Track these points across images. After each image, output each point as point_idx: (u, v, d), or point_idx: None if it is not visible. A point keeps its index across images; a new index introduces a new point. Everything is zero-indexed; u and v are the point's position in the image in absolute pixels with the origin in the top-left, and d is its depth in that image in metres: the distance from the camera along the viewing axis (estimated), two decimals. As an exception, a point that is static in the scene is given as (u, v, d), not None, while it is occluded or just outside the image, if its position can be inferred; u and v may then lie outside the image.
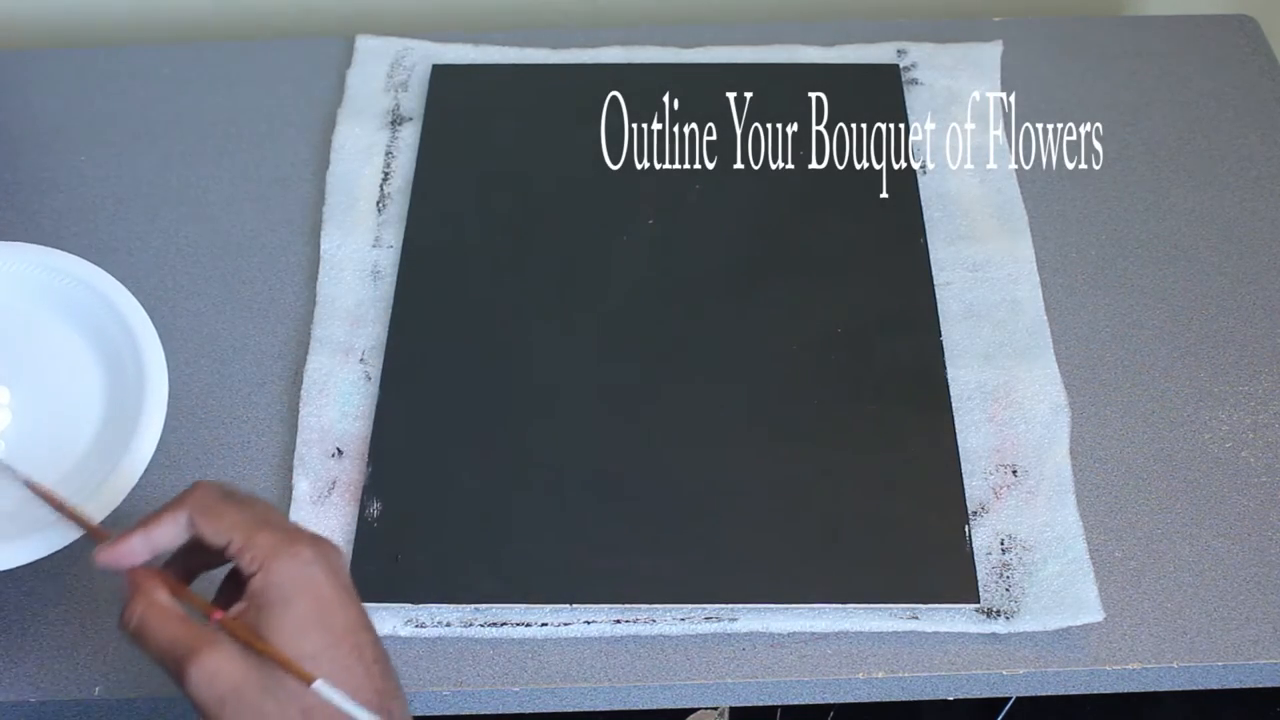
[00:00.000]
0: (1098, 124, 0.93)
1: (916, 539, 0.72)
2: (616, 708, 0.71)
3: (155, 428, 0.72)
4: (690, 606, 0.70)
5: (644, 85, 0.95)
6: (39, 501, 0.67)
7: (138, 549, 0.56)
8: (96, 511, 0.69)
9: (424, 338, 0.81)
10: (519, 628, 0.70)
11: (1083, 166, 0.90)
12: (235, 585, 0.56)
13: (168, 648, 0.53)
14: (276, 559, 0.53)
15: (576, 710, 0.71)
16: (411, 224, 0.86)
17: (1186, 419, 0.78)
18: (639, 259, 0.85)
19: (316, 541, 0.55)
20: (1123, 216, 0.88)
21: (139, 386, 0.73)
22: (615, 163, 0.90)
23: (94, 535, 0.61)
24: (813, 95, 0.94)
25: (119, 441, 0.71)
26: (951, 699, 0.70)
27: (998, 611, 0.69)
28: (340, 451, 0.76)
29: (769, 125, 0.92)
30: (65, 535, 0.67)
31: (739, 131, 0.92)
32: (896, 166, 0.89)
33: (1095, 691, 0.71)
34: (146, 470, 0.74)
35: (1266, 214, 0.88)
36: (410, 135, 0.92)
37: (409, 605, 0.70)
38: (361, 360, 0.80)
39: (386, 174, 0.90)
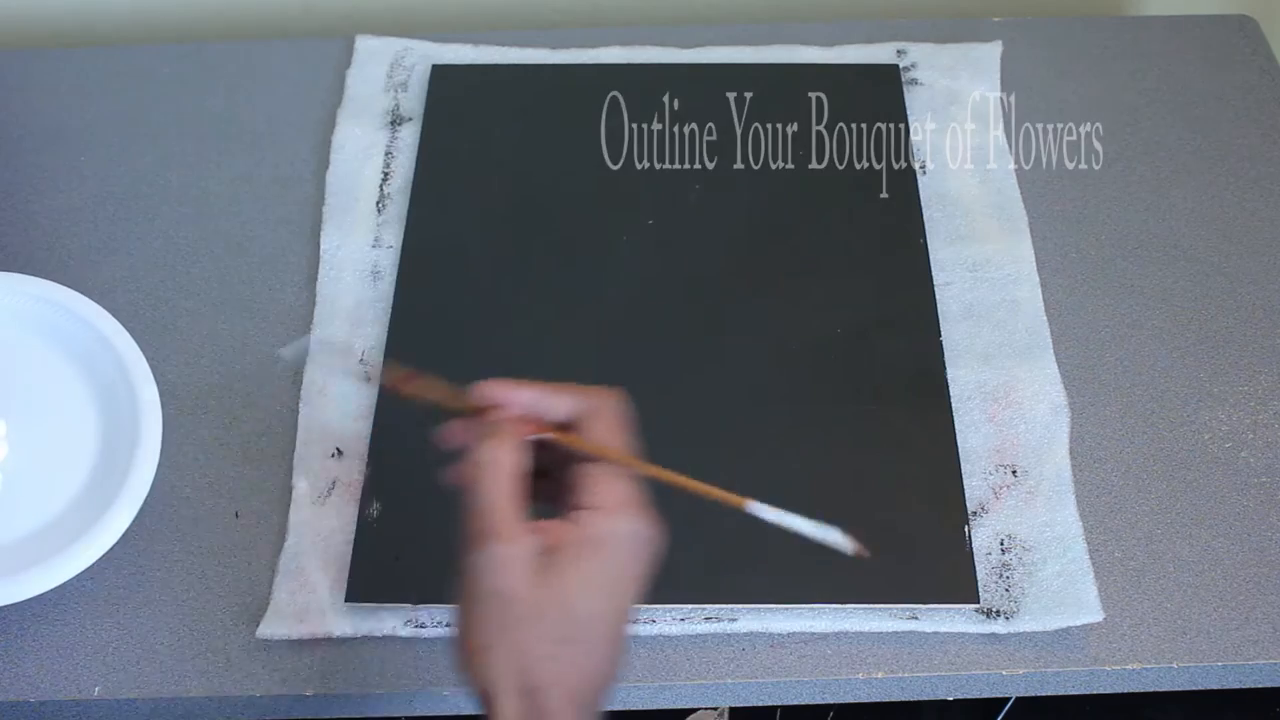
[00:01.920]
0: (1098, 124, 0.93)
1: (916, 539, 0.72)
2: (616, 708, 0.71)
3: (152, 457, 0.73)
4: (690, 606, 0.70)
5: (644, 85, 0.94)
6: (34, 541, 0.69)
7: (524, 398, 0.54)
8: (103, 539, 0.70)
9: (424, 338, 0.81)
10: (519, 628, 0.70)
11: (1083, 166, 0.90)
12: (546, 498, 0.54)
13: (487, 510, 0.51)
14: (623, 514, 0.52)
15: (576, 710, 0.70)
16: (411, 224, 0.86)
17: (1186, 419, 0.78)
18: (639, 259, 0.85)
19: (655, 532, 0.53)
20: (1123, 216, 0.88)
21: (132, 417, 0.73)
22: (615, 163, 0.90)
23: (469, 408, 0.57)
24: (813, 95, 0.94)
25: (118, 469, 0.72)
26: (951, 699, 0.70)
27: (997, 611, 0.69)
28: (340, 451, 0.76)
29: (769, 125, 0.92)
30: (64, 572, 0.69)
31: (739, 131, 0.92)
32: (896, 166, 0.89)
33: (1095, 691, 0.71)
34: (146, 470, 0.74)
35: (1266, 214, 0.88)
36: (410, 135, 0.92)
37: (409, 605, 0.70)
38: (361, 360, 0.80)
39: (386, 174, 0.90)
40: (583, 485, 0.53)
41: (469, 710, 0.70)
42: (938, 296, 0.82)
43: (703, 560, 0.71)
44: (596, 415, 0.54)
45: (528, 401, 0.54)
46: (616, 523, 0.52)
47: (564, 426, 0.55)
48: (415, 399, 0.58)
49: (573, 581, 0.51)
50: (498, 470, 0.52)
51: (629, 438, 0.54)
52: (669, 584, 0.70)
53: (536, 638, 0.50)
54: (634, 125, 0.92)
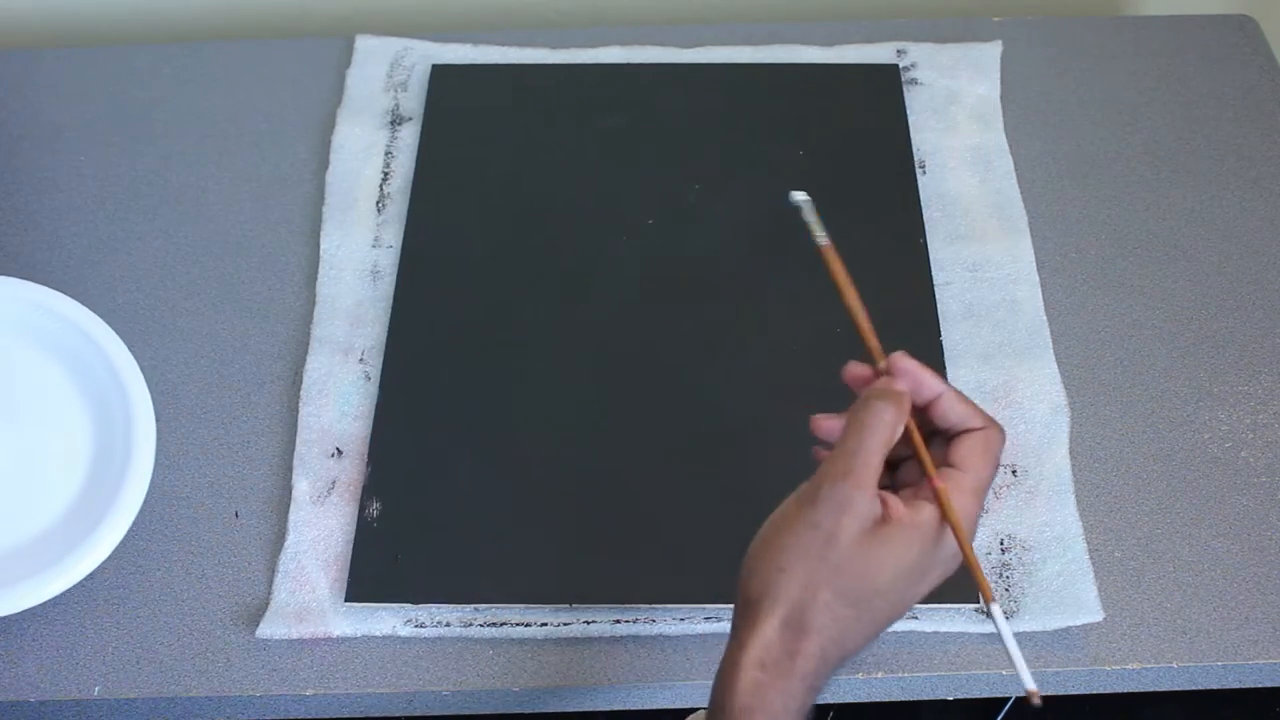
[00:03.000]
0: (1098, 124, 0.93)
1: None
2: (616, 708, 0.71)
3: (145, 470, 0.73)
4: (690, 606, 0.70)
5: (644, 85, 0.95)
6: (26, 553, 0.70)
7: (930, 385, 0.56)
8: (103, 544, 0.70)
9: (424, 338, 0.81)
10: (519, 628, 0.70)
11: (1083, 166, 0.91)
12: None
13: (860, 455, 0.53)
14: (959, 504, 0.54)
15: (576, 710, 0.71)
16: (411, 224, 0.86)
17: (1186, 419, 0.78)
18: (639, 259, 0.85)
19: (956, 564, 0.55)
20: (1123, 216, 0.88)
21: (126, 428, 0.74)
22: (615, 163, 0.90)
23: (874, 350, 0.59)
24: (812, 95, 0.94)
25: (111, 481, 0.72)
26: (951, 699, 0.70)
27: (998, 611, 0.69)
28: (340, 451, 0.76)
29: (769, 125, 0.92)
30: (56, 585, 0.69)
31: (738, 131, 0.92)
32: (896, 166, 0.89)
33: (1095, 691, 0.71)
34: (146, 470, 0.74)
35: (1266, 214, 0.88)
36: (410, 135, 0.92)
37: (409, 605, 0.70)
38: (361, 360, 0.80)
39: (386, 174, 0.90)
40: (936, 486, 0.55)
41: (469, 710, 0.70)
42: (938, 296, 0.82)
43: (702, 560, 0.71)
44: (983, 442, 0.56)
45: (930, 389, 0.56)
46: (940, 528, 0.54)
47: (948, 429, 0.57)
48: (834, 282, 0.59)
49: (888, 557, 0.53)
50: (886, 427, 0.54)
51: (994, 472, 0.56)
52: (669, 584, 0.70)
53: (830, 586, 0.52)
54: (633, 125, 0.92)
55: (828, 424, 0.57)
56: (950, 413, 0.56)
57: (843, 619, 0.53)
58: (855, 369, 0.58)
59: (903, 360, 0.57)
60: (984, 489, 0.55)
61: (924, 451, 0.55)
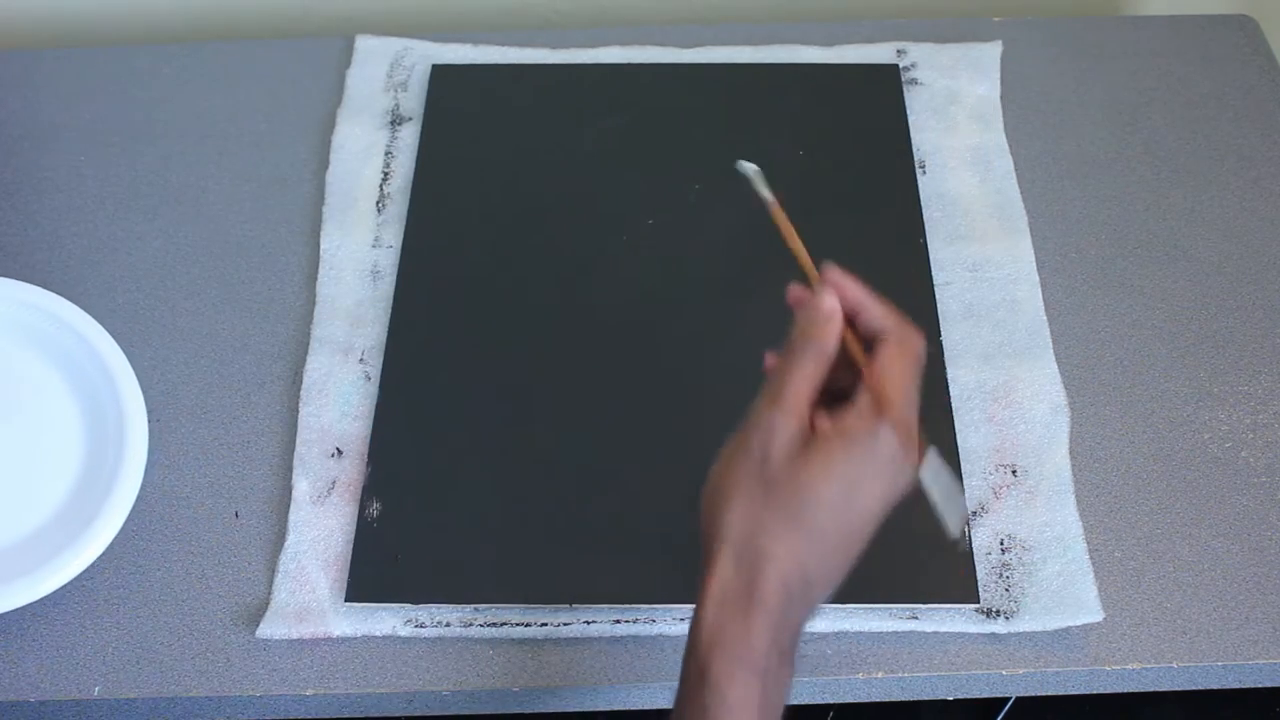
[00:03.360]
0: (1097, 124, 0.93)
1: (916, 539, 0.72)
2: (616, 708, 0.71)
3: (139, 460, 0.73)
4: (690, 607, 0.69)
5: (644, 85, 0.95)
6: (17, 551, 0.70)
7: (854, 293, 0.58)
8: (96, 542, 0.70)
9: (424, 338, 0.81)
10: (519, 628, 0.70)
11: (1083, 166, 0.91)
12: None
13: (788, 381, 0.55)
14: (880, 426, 0.54)
15: (577, 710, 0.71)
16: (411, 224, 0.86)
17: (1186, 419, 0.78)
18: (639, 259, 0.85)
19: (907, 463, 0.55)
20: (1123, 216, 0.88)
21: (118, 428, 0.74)
22: (615, 163, 0.90)
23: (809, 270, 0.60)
24: (812, 95, 0.94)
25: (103, 480, 0.72)
26: (951, 699, 0.70)
27: (997, 611, 0.69)
28: (340, 451, 0.76)
29: (769, 125, 0.92)
30: (50, 583, 0.69)
31: (739, 132, 0.92)
32: (896, 166, 0.89)
33: (1095, 691, 0.71)
34: (146, 472, 0.74)
35: (1266, 214, 0.88)
36: (410, 135, 0.92)
37: (409, 605, 0.70)
38: (361, 360, 0.80)
39: (386, 174, 0.90)
40: (859, 393, 0.55)
41: (469, 710, 0.70)
42: (938, 296, 0.82)
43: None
44: (899, 345, 0.57)
45: (855, 297, 0.58)
46: (870, 428, 0.54)
47: (866, 334, 0.58)
48: (779, 231, 0.61)
49: (815, 467, 0.54)
50: (817, 353, 0.56)
51: (914, 374, 0.57)
52: (669, 584, 0.70)
53: (768, 507, 0.54)
54: (633, 125, 0.92)
55: (792, 293, 0.59)
56: (871, 319, 0.57)
57: (792, 542, 0.53)
58: (794, 291, 0.60)
59: (831, 272, 0.58)
60: (903, 378, 0.56)
61: (855, 345, 0.57)
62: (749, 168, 0.62)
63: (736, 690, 0.52)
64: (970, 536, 0.72)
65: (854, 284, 0.58)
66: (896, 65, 0.95)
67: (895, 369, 0.56)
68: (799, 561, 0.53)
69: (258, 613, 0.71)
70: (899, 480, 0.55)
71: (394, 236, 0.86)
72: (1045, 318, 0.81)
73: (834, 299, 0.57)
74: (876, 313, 0.57)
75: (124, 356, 0.76)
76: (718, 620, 0.53)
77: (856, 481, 0.54)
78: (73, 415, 0.75)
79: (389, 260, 0.85)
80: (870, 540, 0.56)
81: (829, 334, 0.56)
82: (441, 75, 0.95)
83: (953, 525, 0.57)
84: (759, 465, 0.54)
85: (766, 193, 0.62)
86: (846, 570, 0.56)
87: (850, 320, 0.57)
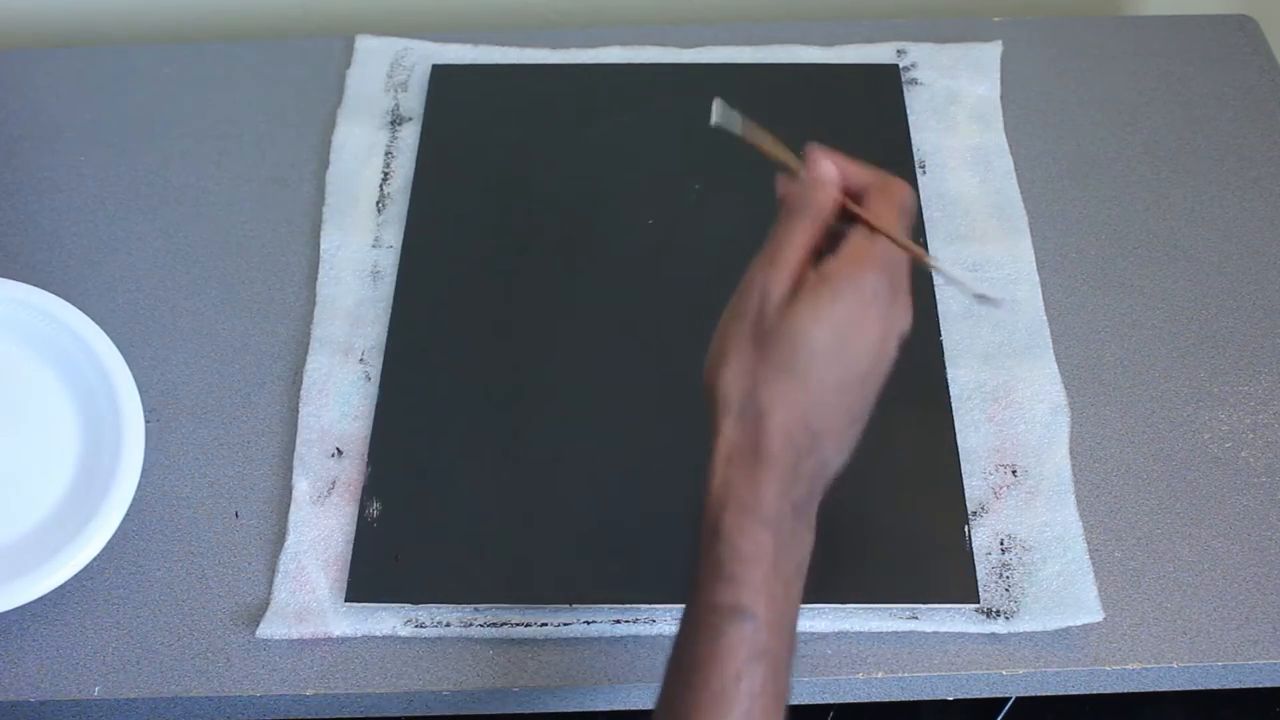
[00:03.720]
0: (1097, 124, 0.93)
1: (916, 539, 0.72)
2: (616, 708, 0.71)
3: (136, 460, 0.73)
4: (690, 606, 0.70)
5: (644, 85, 0.95)
6: (16, 550, 0.70)
7: (836, 161, 0.59)
8: (93, 542, 0.70)
9: (424, 338, 0.81)
10: (519, 628, 0.70)
11: (1083, 167, 0.90)
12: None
13: (779, 243, 0.56)
14: (866, 267, 0.54)
15: (577, 710, 0.71)
16: (411, 224, 0.86)
17: (1186, 419, 0.78)
18: (638, 259, 0.85)
19: (901, 305, 0.56)
20: (1123, 216, 0.88)
21: (115, 429, 0.74)
22: (615, 163, 0.90)
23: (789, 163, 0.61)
24: (812, 95, 0.94)
25: (99, 480, 0.72)
26: (951, 699, 0.70)
27: (997, 611, 0.69)
28: (340, 451, 0.76)
29: (769, 125, 0.92)
30: (44, 584, 0.69)
31: (739, 131, 0.92)
32: (896, 166, 0.89)
33: (1095, 691, 0.71)
34: (146, 471, 0.74)
35: (1266, 214, 0.88)
36: (410, 135, 0.92)
37: (409, 605, 0.70)
38: (361, 360, 0.80)
39: (386, 174, 0.90)
40: (843, 243, 0.56)
41: (469, 710, 0.70)
42: (938, 296, 0.82)
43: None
44: (881, 193, 0.57)
45: (839, 164, 0.58)
46: (855, 270, 0.54)
47: (853, 197, 0.59)
48: (754, 146, 0.62)
49: (803, 313, 0.54)
50: (813, 213, 0.57)
51: (904, 221, 0.57)
52: (669, 584, 0.70)
53: (763, 361, 0.54)
54: (633, 125, 0.92)
55: (780, 186, 0.60)
56: (853, 179, 0.58)
57: (790, 391, 0.54)
58: (782, 182, 0.60)
59: (815, 148, 0.59)
60: (887, 223, 0.56)
61: (849, 203, 0.57)
62: (717, 108, 0.63)
63: (747, 542, 0.53)
64: (970, 536, 0.72)
65: (835, 155, 0.59)
66: (896, 65, 0.95)
67: (879, 216, 0.56)
68: (800, 411, 0.54)
69: (258, 613, 0.71)
70: (894, 322, 0.56)
71: (394, 236, 0.86)
72: (1045, 318, 0.81)
73: (829, 165, 0.58)
74: (859, 173, 0.58)
75: (121, 356, 0.76)
76: (725, 477, 0.54)
77: (847, 325, 0.54)
78: (70, 415, 0.75)
79: (389, 260, 0.85)
80: (877, 390, 0.56)
81: (823, 196, 0.57)
82: (441, 75, 0.95)
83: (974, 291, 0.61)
84: (753, 323, 0.55)
85: (736, 125, 0.63)
86: (856, 421, 0.56)
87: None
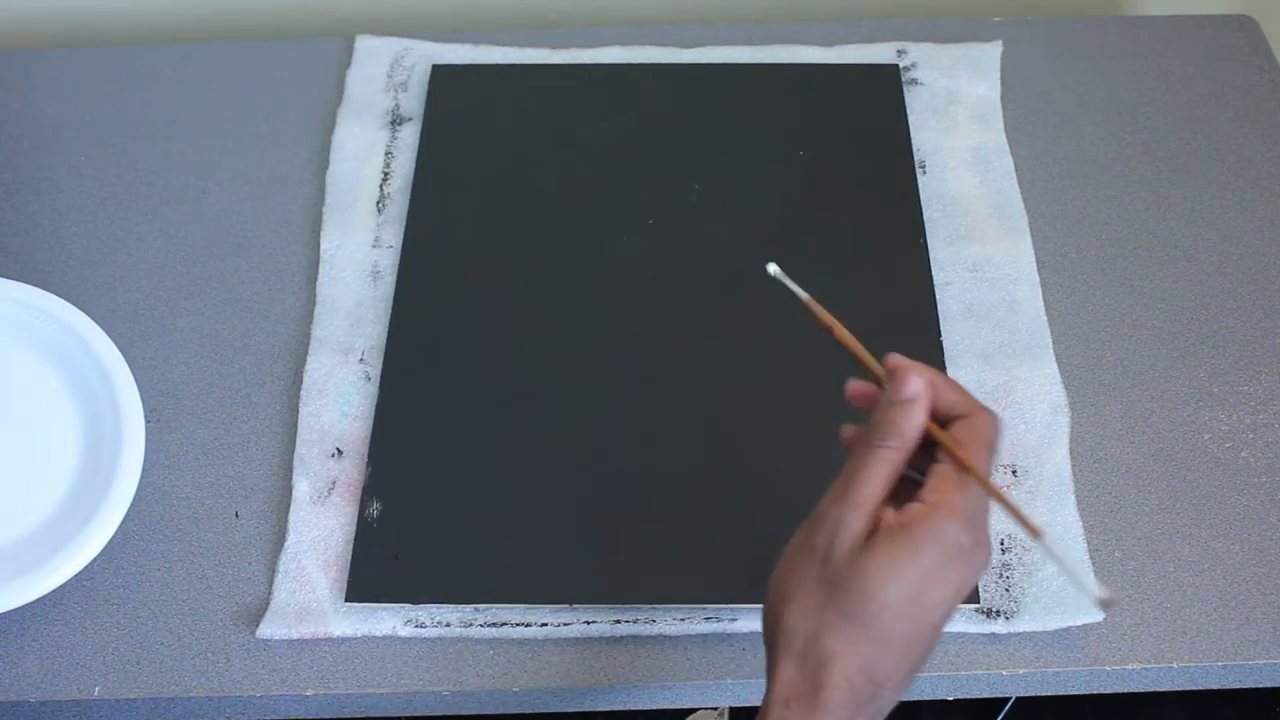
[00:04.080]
0: (1097, 124, 0.93)
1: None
2: (616, 708, 0.71)
3: (136, 460, 0.73)
4: (690, 606, 0.70)
5: (644, 85, 0.95)
6: (16, 550, 0.70)
7: (925, 376, 0.54)
8: (93, 542, 0.70)
9: (424, 338, 0.81)
10: (519, 628, 0.70)
11: (1083, 167, 0.90)
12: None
13: (860, 479, 0.52)
14: (950, 518, 0.51)
15: (576, 710, 0.71)
16: (411, 224, 0.86)
17: (1186, 419, 0.78)
18: (639, 259, 0.85)
19: (982, 554, 0.52)
20: (1123, 216, 0.88)
21: (115, 429, 0.74)
22: (615, 163, 0.90)
23: (872, 368, 0.57)
24: (812, 95, 0.94)
25: (100, 480, 0.72)
26: (951, 699, 0.70)
27: (998, 611, 0.69)
28: (340, 451, 0.76)
29: (769, 125, 0.92)
30: (44, 585, 0.69)
31: (739, 132, 0.92)
32: (896, 166, 0.89)
33: (1095, 691, 0.71)
34: (146, 472, 0.74)
35: (1266, 214, 0.88)
36: (410, 135, 0.92)
37: (409, 605, 0.70)
38: (361, 360, 0.80)
39: (386, 174, 0.90)
40: (926, 481, 0.52)
41: (469, 710, 0.70)
42: (938, 296, 0.82)
43: (703, 560, 0.71)
44: (969, 422, 0.54)
45: (926, 381, 0.54)
46: (938, 522, 0.51)
47: (938, 420, 0.55)
48: (831, 335, 0.58)
49: (878, 564, 0.51)
50: (897, 444, 0.53)
51: (990, 457, 0.53)
52: (669, 584, 0.70)
53: (834, 608, 0.51)
54: (633, 125, 0.92)
55: (855, 391, 0.56)
56: (939, 401, 0.54)
57: (857, 641, 0.51)
58: (856, 386, 0.57)
59: (894, 360, 0.55)
60: (980, 467, 0.53)
61: (938, 432, 0.53)
62: (774, 270, 0.60)
63: None
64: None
65: (922, 367, 0.54)
66: (896, 65, 0.95)
67: (969, 451, 0.53)
68: (865, 663, 0.51)
69: (258, 613, 0.71)
70: (969, 574, 0.52)
71: (394, 236, 0.86)
72: (1045, 318, 0.81)
73: (919, 382, 0.53)
74: (947, 393, 0.54)
75: (121, 356, 0.76)
76: (782, 704, 0.52)
77: (925, 581, 0.51)
78: (70, 415, 0.76)
79: (389, 260, 0.85)
80: (939, 635, 0.53)
81: (911, 423, 0.53)
82: (441, 75, 0.96)
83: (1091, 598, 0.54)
84: (821, 563, 0.52)
85: (800, 290, 0.59)
86: (917, 669, 0.53)
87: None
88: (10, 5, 1.10)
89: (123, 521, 0.72)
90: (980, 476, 0.52)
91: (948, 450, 0.53)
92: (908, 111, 0.92)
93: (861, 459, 0.53)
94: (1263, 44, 0.98)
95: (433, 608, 0.70)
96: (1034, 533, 0.52)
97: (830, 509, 0.52)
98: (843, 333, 0.57)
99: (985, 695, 0.70)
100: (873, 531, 0.52)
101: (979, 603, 0.69)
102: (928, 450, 0.54)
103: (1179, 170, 0.90)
